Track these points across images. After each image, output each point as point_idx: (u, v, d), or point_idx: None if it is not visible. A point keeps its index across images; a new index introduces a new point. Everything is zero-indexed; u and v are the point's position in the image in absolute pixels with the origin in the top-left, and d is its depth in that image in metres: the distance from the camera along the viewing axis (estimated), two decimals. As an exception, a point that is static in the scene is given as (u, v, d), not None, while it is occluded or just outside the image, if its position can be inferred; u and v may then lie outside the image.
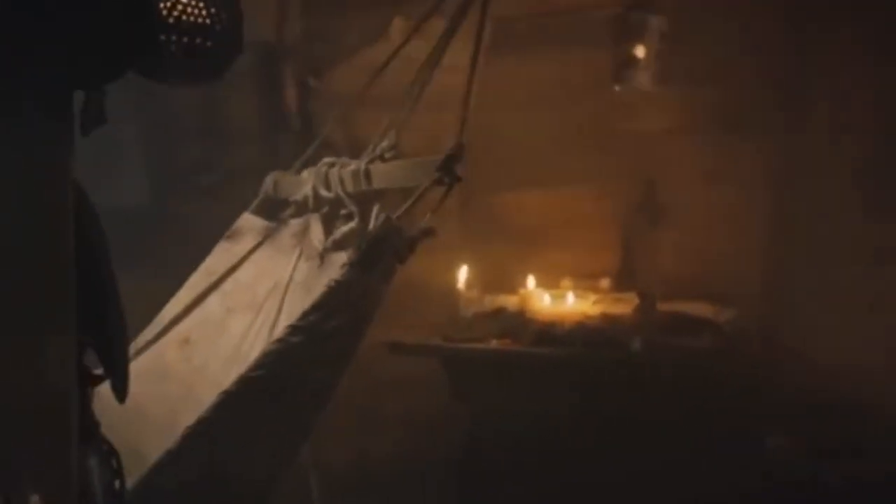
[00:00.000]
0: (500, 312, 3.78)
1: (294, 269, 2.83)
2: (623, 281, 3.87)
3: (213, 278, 2.85)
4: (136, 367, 1.99)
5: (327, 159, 2.85)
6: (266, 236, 2.95)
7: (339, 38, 4.17)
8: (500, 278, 3.92)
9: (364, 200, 2.73)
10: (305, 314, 2.20)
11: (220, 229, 3.06)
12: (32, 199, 1.22)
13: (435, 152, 2.55)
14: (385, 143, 2.69)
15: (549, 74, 3.93)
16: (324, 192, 2.82)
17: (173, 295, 2.94)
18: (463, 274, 3.86)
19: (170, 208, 4.18)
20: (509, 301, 3.83)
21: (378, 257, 2.24)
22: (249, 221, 3.00)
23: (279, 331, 2.27)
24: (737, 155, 3.77)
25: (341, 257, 2.51)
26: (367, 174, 2.69)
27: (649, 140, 3.88)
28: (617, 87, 3.75)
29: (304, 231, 2.90)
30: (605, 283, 3.89)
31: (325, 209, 2.87)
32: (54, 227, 1.23)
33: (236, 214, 3.08)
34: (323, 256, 2.71)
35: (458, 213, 3.78)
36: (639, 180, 3.92)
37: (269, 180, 3.02)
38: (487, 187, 3.89)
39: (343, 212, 2.77)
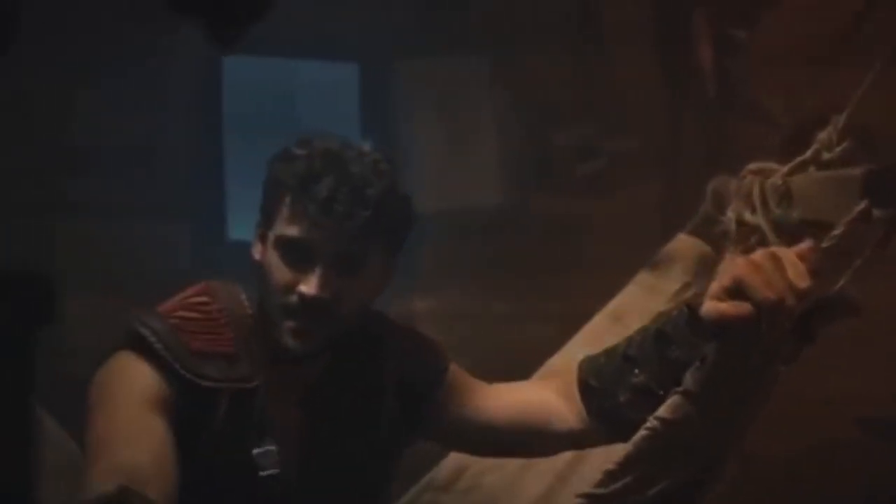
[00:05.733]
0: None
1: None
2: None
3: (627, 330, 2.08)
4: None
5: (753, 165, 2.13)
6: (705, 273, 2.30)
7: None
8: None
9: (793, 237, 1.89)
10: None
11: (604, 234, 2.86)
12: None
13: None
14: (824, 134, 1.88)
15: None
16: (749, 217, 2.08)
17: (556, 323, 2.56)
18: None
19: (536, 207, 3.83)
20: None
21: (733, 375, 1.40)
22: (685, 246, 2.34)
23: None
24: None
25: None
26: (788, 192, 1.93)
27: None
28: None
29: None
30: None
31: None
32: None
33: (627, 214, 2.82)
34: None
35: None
36: None
37: (710, 189, 2.35)
38: None
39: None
